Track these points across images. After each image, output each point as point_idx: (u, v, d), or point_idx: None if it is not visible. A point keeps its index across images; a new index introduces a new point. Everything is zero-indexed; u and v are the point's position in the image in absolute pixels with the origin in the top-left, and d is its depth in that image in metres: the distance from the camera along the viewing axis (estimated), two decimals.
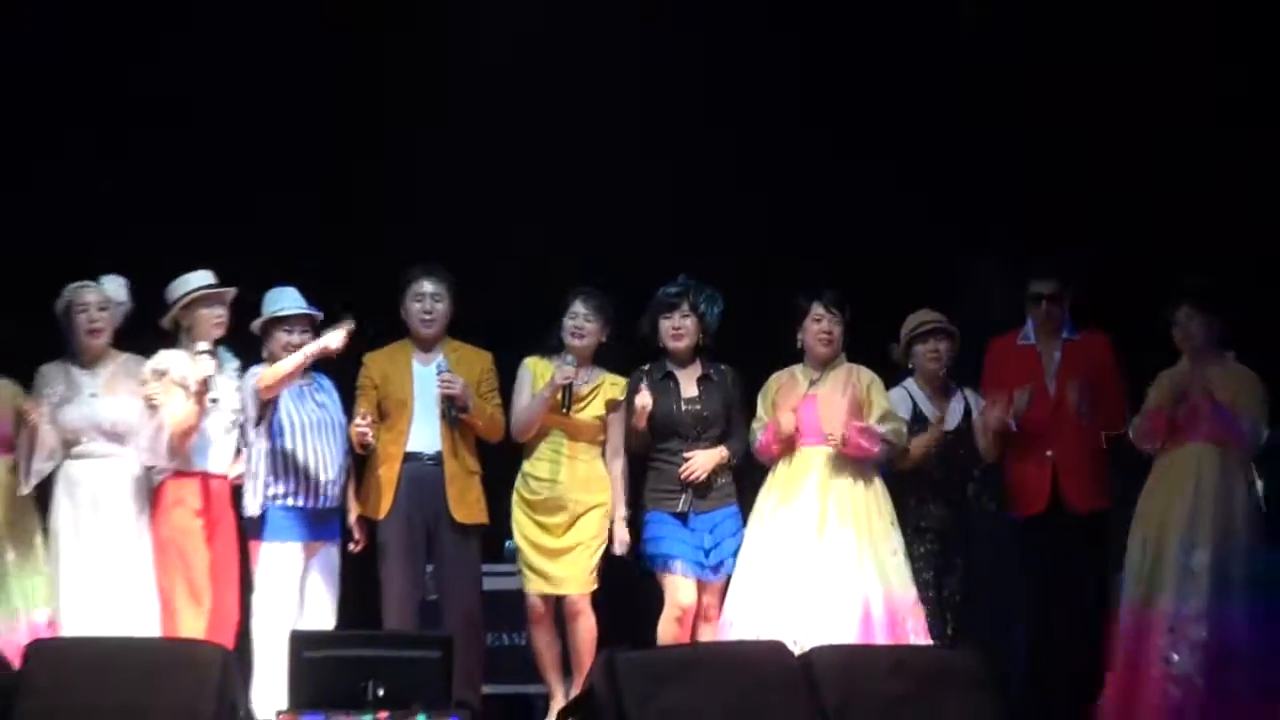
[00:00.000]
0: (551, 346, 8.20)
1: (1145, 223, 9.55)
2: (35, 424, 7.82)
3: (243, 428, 8.21)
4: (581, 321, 8.15)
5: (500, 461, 8.52)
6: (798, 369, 8.24)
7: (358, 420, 7.99)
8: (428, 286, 8.28)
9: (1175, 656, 7.88)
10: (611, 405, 8.13)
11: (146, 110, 9.68)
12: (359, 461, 8.39)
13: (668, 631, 8.16)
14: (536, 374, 8.15)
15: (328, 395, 8.18)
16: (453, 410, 8.12)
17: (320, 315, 8.18)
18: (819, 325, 8.18)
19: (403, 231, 9.43)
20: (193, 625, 8.00)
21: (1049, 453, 8.34)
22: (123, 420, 7.98)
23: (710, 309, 8.27)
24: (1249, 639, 7.93)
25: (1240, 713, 7.93)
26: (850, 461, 8.06)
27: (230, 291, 8.20)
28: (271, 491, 8.06)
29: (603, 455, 8.41)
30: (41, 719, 6.75)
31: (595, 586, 8.35)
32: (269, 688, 7.65)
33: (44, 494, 8.25)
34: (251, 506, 8.06)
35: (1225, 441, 8.01)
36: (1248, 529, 7.99)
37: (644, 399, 8.04)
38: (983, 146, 9.86)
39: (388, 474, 8.21)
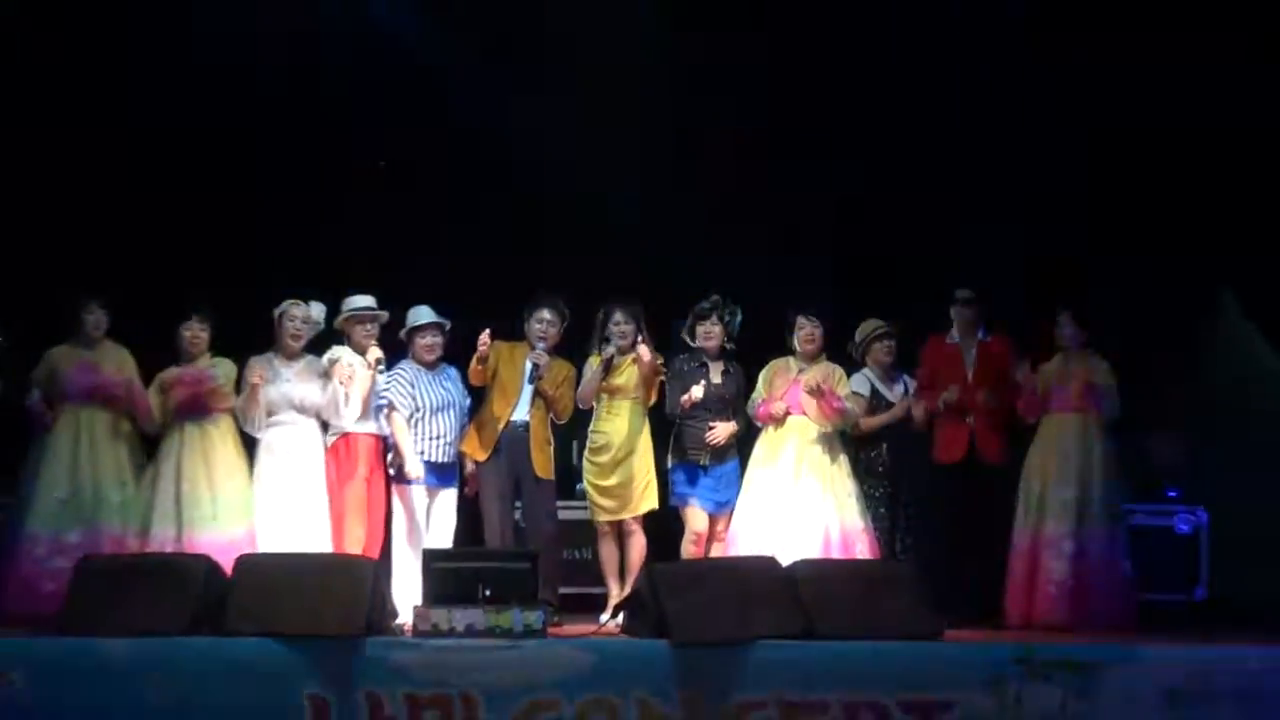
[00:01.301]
0: (602, 346, 9.51)
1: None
2: (258, 389, 9.11)
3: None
4: (623, 327, 9.51)
5: (571, 435, 9.89)
6: (791, 359, 9.62)
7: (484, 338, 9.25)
8: (546, 315, 9.52)
9: (1054, 567, 9.31)
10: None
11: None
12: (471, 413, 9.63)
13: (687, 550, 9.54)
14: (592, 365, 9.51)
15: (452, 383, 9.51)
16: (535, 372, 9.40)
17: (448, 324, 9.47)
18: (804, 331, 9.59)
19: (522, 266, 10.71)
20: (354, 544, 9.18)
21: (968, 420, 9.68)
22: (309, 399, 9.27)
23: (732, 319, 9.59)
24: (1102, 549, 9.39)
25: (1099, 601, 9.38)
26: (818, 431, 9.42)
27: (382, 315, 9.50)
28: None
29: (639, 405, 9.57)
30: (248, 611, 7.85)
31: (647, 509, 9.57)
32: (405, 588, 8.95)
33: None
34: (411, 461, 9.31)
35: (1087, 412, 9.44)
36: (1102, 474, 9.42)
37: (697, 393, 9.39)
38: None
39: (495, 428, 9.47)
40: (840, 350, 9.86)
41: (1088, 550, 9.38)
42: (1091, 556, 9.38)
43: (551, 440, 9.65)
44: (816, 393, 9.35)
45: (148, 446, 9.42)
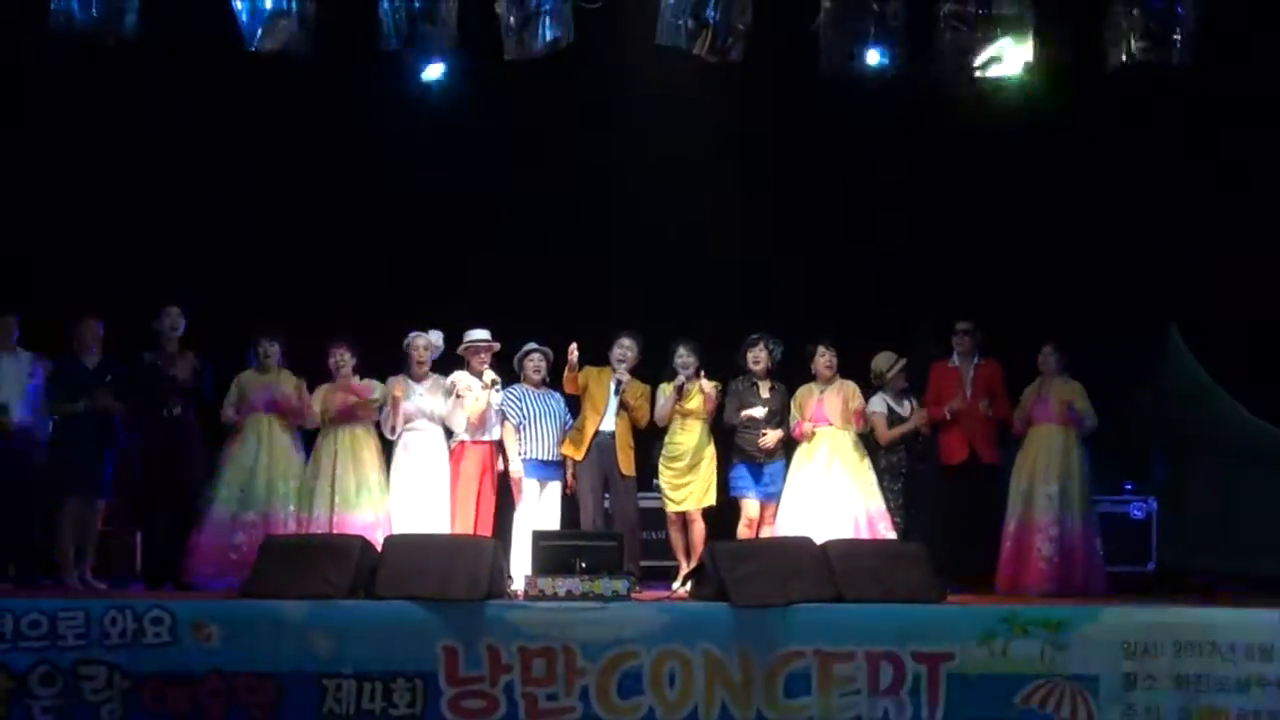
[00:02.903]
0: (671, 375, 10.28)
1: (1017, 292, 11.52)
2: (399, 402, 9.87)
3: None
4: (687, 359, 10.23)
5: (650, 441, 10.52)
6: (813, 384, 10.41)
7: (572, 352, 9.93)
8: (625, 342, 10.28)
9: (1043, 548, 10.01)
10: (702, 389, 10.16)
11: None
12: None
13: (741, 532, 10.24)
14: (665, 391, 10.34)
15: (555, 400, 10.37)
16: (619, 389, 10.14)
17: (551, 352, 10.20)
18: (823, 360, 10.37)
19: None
20: (465, 526, 9.97)
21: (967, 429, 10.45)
22: (436, 411, 10.18)
23: (775, 348, 10.40)
24: (1080, 533, 10.18)
25: (1080, 574, 10.05)
26: (843, 436, 10.27)
27: (495, 345, 10.26)
28: (519, 449, 10.26)
29: (706, 423, 10.19)
30: (394, 579, 8.43)
31: (707, 504, 10.20)
32: (519, 562, 9.50)
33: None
34: (514, 462, 10.12)
35: (1068, 425, 10.14)
36: (1078, 473, 10.20)
37: (758, 413, 10.12)
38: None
39: (587, 435, 10.23)
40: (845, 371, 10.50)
41: (1070, 534, 10.07)
42: (1073, 538, 10.08)
43: (633, 445, 10.38)
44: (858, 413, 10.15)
45: (306, 443, 10.28)
